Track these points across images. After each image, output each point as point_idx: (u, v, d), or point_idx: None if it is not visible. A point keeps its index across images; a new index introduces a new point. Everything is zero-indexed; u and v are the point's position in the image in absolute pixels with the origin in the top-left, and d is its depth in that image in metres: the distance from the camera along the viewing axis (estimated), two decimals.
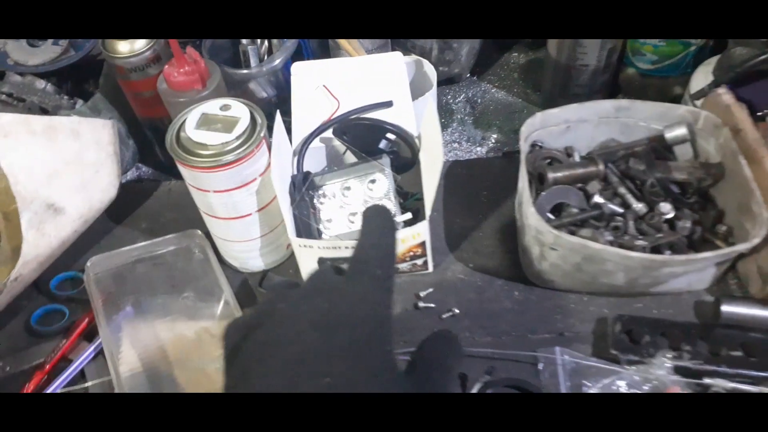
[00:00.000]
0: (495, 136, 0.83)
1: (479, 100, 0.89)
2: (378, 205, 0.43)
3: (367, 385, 0.32)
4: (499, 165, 0.77)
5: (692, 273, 0.59)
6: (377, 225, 0.40)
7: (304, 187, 0.63)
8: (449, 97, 0.89)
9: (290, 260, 0.70)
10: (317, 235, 0.64)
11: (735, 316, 0.58)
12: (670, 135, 0.63)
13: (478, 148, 0.83)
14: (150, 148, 0.84)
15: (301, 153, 0.66)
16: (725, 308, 0.57)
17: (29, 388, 0.60)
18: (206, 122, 0.59)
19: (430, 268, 0.66)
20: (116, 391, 0.57)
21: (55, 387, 0.61)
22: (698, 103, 0.66)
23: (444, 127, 0.85)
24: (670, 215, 0.60)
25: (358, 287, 0.36)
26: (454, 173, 0.76)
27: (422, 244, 0.62)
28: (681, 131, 0.62)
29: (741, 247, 0.55)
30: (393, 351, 0.35)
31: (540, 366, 0.59)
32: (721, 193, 0.62)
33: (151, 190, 0.79)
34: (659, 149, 0.64)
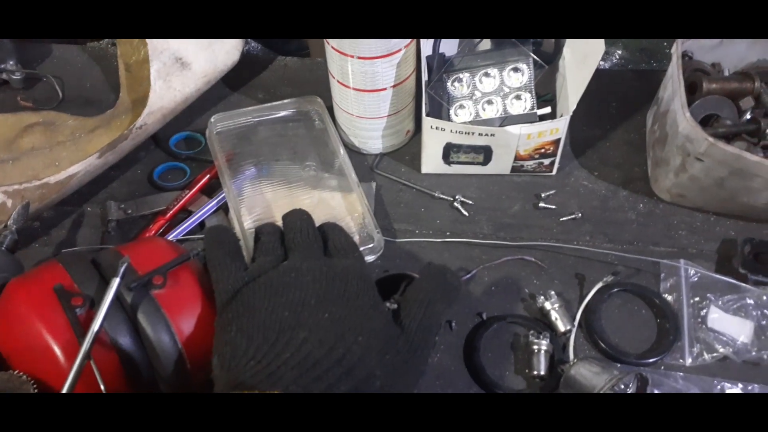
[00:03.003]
0: (619, 52, 0.80)
1: None
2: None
3: (360, 320, 0.40)
4: (630, 79, 0.74)
5: None
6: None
7: (444, 67, 0.61)
8: None
9: (406, 147, 0.69)
10: (447, 119, 0.63)
11: None
12: None
13: (601, 63, 0.79)
14: None
15: None
16: None
17: (151, 230, 0.61)
18: None
19: (554, 170, 0.65)
20: (241, 239, 0.57)
21: (176, 234, 0.62)
22: None
23: None
24: None
25: (344, 261, 0.45)
26: None
27: (556, 142, 0.61)
28: None
29: None
30: (381, 301, 0.44)
31: (662, 276, 0.58)
32: None
33: (265, 63, 0.78)
34: None
